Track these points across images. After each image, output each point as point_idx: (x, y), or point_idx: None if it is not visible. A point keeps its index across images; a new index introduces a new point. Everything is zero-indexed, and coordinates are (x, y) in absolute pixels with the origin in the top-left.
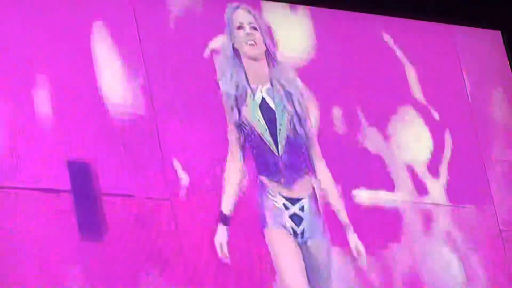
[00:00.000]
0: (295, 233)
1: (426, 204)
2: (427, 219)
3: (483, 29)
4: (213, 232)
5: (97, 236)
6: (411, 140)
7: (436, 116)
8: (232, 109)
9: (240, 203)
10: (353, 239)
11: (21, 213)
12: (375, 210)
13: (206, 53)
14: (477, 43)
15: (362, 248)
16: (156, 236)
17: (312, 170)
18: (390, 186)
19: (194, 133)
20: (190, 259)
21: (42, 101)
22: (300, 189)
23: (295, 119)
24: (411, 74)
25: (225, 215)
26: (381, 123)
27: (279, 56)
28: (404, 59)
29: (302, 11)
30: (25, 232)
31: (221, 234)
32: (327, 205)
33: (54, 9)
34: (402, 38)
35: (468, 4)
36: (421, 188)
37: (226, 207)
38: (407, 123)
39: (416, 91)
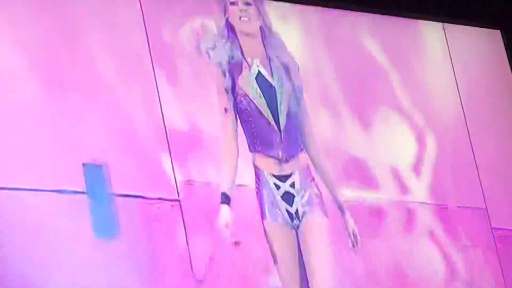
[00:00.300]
0: (290, 215)
1: (409, 203)
2: (410, 216)
3: (482, 28)
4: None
5: (111, 236)
6: (395, 143)
7: (421, 118)
8: (224, 75)
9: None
10: (350, 223)
11: (38, 213)
12: (360, 208)
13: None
14: (476, 42)
15: (357, 233)
16: (166, 235)
17: (305, 147)
18: (374, 187)
19: (204, 134)
20: (199, 258)
21: (59, 104)
22: (292, 165)
23: (293, 93)
24: (397, 77)
25: (226, 194)
26: (366, 125)
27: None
28: (389, 63)
29: (290, 10)
30: (42, 231)
31: (225, 214)
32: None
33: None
34: (393, 38)
35: (466, 2)
36: (404, 189)
37: (226, 186)
38: (392, 126)
39: (401, 94)
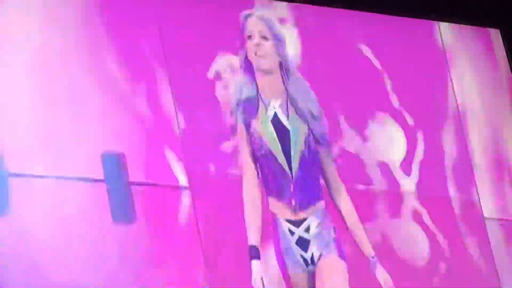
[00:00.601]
0: (305, 261)
1: (399, 193)
2: (399, 204)
3: (482, 27)
4: (232, 220)
5: (127, 221)
6: (387, 142)
7: (410, 120)
8: (239, 120)
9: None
10: (381, 273)
11: (60, 199)
12: (352, 194)
13: (210, 74)
14: (476, 41)
15: (390, 280)
16: (178, 220)
17: (325, 196)
18: (367, 182)
19: (212, 126)
20: (209, 243)
21: (79, 97)
22: (307, 211)
23: (311, 138)
24: (389, 80)
25: (255, 247)
26: (360, 126)
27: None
28: (384, 62)
29: (283, 9)
30: (64, 217)
31: (257, 271)
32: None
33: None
34: (388, 39)
35: (466, 2)
36: (395, 182)
37: (254, 239)
38: (384, 126)
39: (393, 96)
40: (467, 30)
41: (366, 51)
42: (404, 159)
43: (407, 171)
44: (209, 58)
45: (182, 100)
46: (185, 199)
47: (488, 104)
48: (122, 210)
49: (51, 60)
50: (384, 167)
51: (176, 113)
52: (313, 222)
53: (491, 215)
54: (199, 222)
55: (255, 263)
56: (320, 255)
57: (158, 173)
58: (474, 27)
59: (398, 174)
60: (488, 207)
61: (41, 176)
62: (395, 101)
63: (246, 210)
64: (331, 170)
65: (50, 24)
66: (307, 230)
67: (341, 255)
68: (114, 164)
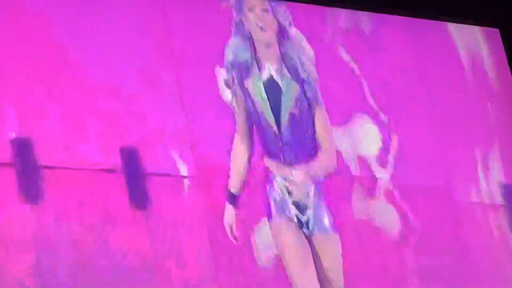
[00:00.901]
0: (300, 222)
1: (375, 179)
2: (374, 188)
3: (482, 27)
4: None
5: (144, 208)
6: (365, 138)
7: (385, 118)
8: (235, 81)
9: (248, 185)
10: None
11: (82, 189)
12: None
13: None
14: (475, 41)
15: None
16: (185, 207)
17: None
18: (346, 174)
19: (219, 118)
20: (213, 228)
21: (98, 92)
22: (304, 173)
23: (303, 97)
24: (367, 84)
25: (232, 194)
26: (341, 123)
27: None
28: (358, 69)
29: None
30: (85, 206)
31: (229, 215)
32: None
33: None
34: (389, 37)
35: (465, 1)
36: (371, 173)
37: (234, 186)
38: (363, 124)
39: (369, 96)
40: (466, 29)
41: (345, 51)
42: (380, 153)
43: (383, 164)
44: (215, 57)
45: (188, 99)
46: (190, 188)
47: (489, 104)
48: (139, 198)
49: (70, 62)
50: (362, 160)
51: (186, 109)
52: (312, 190)
53: (460, 197)
54: (208, 210)
55: (229, 208)
56: (317, 228)
57: (171, 164)
58: (473, 26)
59: (374, 166)
60: (457, 190)
61: (68, 168)
62: (371, 100)
63: (231, 164)
64: (320, 131)
65: (73, 31)
66: (307, 195)
67: (336, 228)
68: (132, 157)
